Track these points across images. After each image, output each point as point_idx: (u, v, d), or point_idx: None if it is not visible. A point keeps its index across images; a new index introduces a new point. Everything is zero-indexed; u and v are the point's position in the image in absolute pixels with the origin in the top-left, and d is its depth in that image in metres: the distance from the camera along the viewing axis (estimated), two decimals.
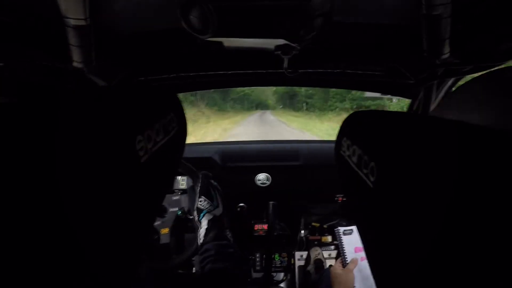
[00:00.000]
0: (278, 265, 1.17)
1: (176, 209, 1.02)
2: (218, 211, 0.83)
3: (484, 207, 0.14)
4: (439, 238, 0.16)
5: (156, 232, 0.96)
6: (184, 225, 1.04)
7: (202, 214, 0.81)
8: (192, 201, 0.89)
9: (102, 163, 0.22)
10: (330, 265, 0.94)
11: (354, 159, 0.28)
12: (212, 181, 0.90)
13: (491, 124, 0.25)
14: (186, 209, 1.03)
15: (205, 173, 0.90)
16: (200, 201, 0.83)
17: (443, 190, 0.16)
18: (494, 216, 0.14)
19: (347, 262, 0.81)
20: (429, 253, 0.17)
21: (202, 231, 0.78)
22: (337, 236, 0.85)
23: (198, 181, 0.88)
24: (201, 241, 0.77)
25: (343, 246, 0.84)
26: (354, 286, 0.76)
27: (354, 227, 0.86)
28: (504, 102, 0.25)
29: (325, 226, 1.17)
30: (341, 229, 0.86)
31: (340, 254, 0.85)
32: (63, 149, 0.19)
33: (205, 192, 0.84)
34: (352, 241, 0.85)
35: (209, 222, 0.79)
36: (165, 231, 0.97)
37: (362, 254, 0.81)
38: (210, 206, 0.82)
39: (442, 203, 0.16)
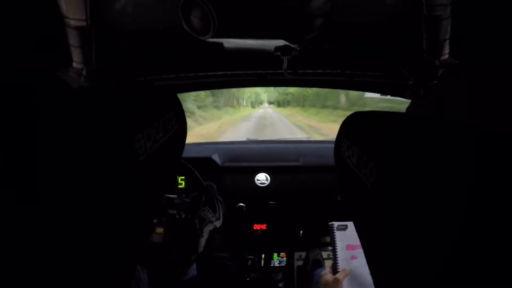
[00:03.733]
0: (276, 265, 1.17)
1: (175, 212, 1.02)
2: (219, 223, 0.89)
3: (485, 207, 0.14)
4: (440, 240, 0.16)
5: (152, 231, 0.96)
6: (181, 226, 1.04)
7: (204, 224, 0.85)
8: (195, 209, 0.90)
9: (100, 161, 0.22)
10: None
11: (354, 159, 0.28)
12: (217, 195, 0.93)
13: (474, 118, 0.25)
14: (185, 212, 1.03)
15: (211, 185, 0.93)
16: (204, 211, 0.85)
17: (445, 192, 0.16)
18: (493, 217, 0.14)
19: (338, 265, 0.79)
20: (429, 255, 0.17)
21: (203, 240, 0.81)
22: (330, 231, 0.84)
23: (204, 192, 0.90)
24: (201, 249, 0.79)
25: (335, 242, 0.83)
26: None
27: (349, 223, 0.85)
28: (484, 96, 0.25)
29: (324, 226, 1.17)
30: (336, 223, 0.85)
31: (332, 253, 0.84)
32: (60, 148, 0.19)
33: (209, 204, 0.88)
34: (345, 237, 0.84)
35: (210, 232, 0.84)
36: (160, 230, 0.97)
37: (353, 252, 0.81)
38: (212, 217, 0.85)
39: (443, 205, 0.16)
